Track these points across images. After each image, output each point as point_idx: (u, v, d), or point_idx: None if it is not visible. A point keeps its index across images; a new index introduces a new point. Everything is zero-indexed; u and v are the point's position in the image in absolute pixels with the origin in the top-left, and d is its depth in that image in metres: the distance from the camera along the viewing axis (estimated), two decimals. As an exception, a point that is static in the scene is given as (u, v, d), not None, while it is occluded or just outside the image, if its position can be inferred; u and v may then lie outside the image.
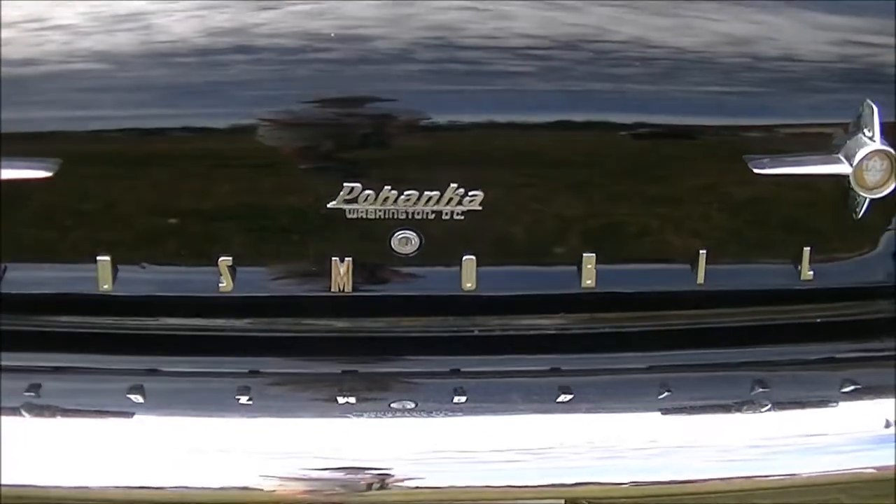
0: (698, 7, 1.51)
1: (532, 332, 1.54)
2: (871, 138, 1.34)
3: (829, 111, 1.42)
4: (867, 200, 1.37)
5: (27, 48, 1.37)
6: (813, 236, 1.48)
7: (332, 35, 1.35)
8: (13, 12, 1.38)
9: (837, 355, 1.54)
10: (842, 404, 1.44)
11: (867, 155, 1.33)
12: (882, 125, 1.35)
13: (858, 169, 1.34)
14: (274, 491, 1.31)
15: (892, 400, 1.43)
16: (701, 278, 1.44)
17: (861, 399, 1.45)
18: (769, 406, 1.42)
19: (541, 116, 1.39)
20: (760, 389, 1.44)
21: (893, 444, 1.39)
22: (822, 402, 1.45)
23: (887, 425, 1.40)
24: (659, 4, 1.48)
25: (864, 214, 1.40)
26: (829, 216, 1.47)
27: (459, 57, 1.40)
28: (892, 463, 1.39)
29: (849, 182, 1.36)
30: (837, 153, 1.36)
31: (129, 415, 1.35)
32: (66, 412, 1.37)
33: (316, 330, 1.50)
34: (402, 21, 1.40)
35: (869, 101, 1.35)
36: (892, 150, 1.33)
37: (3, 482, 1.28)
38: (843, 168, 1.35)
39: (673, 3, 1.50)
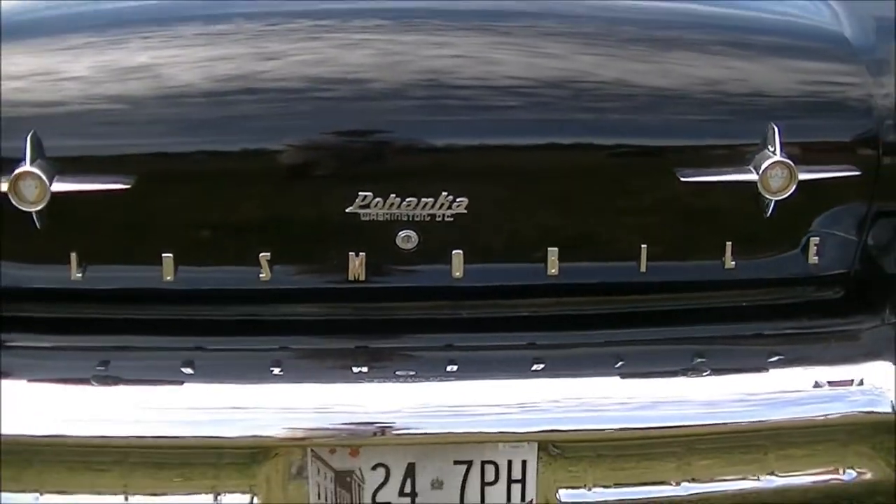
0: (644, 55, 1.75)
1: (510, 314, 1.78)
2: (773, 152, 1.61)
3: (743, 133, 1.68)
4: (773, 202, 1.63)
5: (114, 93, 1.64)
6: (733, 233, 1.72)
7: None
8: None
9: (764, 332, 1.79)
10: (771, 371, 1.69)
11: (770, 165, 1.60)
12: (782, 143, 1.62)
13: (764, 176, 1.61)
14: (304, 438, 1.59)
15: (812, 367, 1.68)
16: (644, 269, 1.70)
17: (785, 367, 1.70)
18: (708, 372, 1.68)
19: (512, 140, 1.67)
20: (699, 359, 1.69)
21: (819, 401, 1.66)
22: (754, 369, 1.69)
23: (817, 385, 1.66)
24: (612, 52, 1.74)
25: (771, 214, 1.65)
26: (744, 217, 1.70)
27: (449, 94, 1.66)
28: (819, 415, 1.65)
29: (757, 187, 1.62)
30: (748, 165, 1.63)
31: (181, 383, 1.62)
32: (129, 381, 1.62)
33: (335, 313, 1.75)
34: (404, 65, 1.67)
35: (772, 124, 1.62)
36: (790, 162, 1.60)
37: (79, 433, 1.57)
38: (752, 176, 1.62)
39: (623, 51, 1.75)
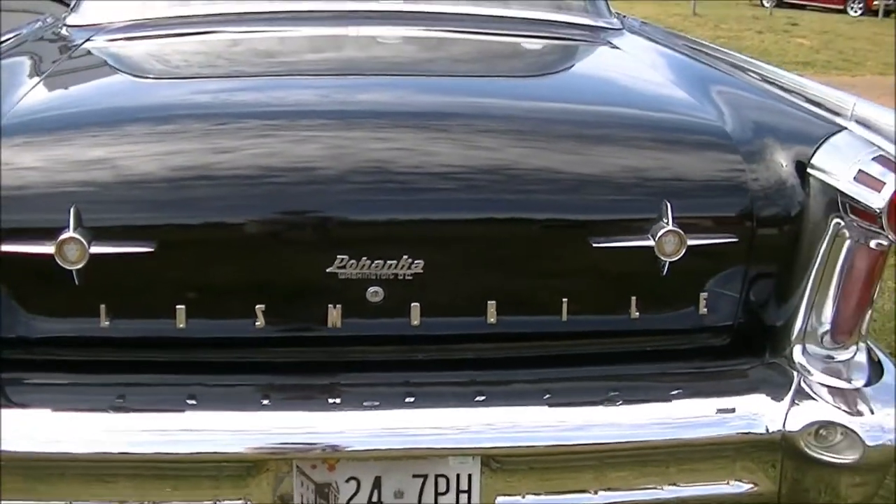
0: (563, 148, 2.09)
1: (457, 356, 2.07)
2: (666, 223, 1.93)
3: (644, 209, 1.97)
4: (667, 263, 1.95)
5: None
6: (636, 290, 2.02)
7: None
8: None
9: (667, 371, 2.09)
10: (671, 401, 2.01)
11: (664, 233, 1.92)
12: (673, 216, 1.94)
13: (659, 242, 1.93)
14: (289, 455, 1.90)
15: (704, 398, 2.03)
16: (565, 318, 2.02)
17: (682, 398, 2.02)
18: (620, 402, 1.98)
19: (455, 215, 1.98)
20: (613, 392, 2.00)
21: (708, 425, 1.99)
22: (657, 400, 2.01)
23: (707, 412, 1.99)
24: (536, 145, 2.06)
25: (666, 274, 1.96)
26: (645, 276, 1.99)
27: (401, 180, 1.96)
28: (708, 436, 1.98)
29: (654, 251, 1.94)
30: (647, 234, 1.95)
31: (183, 411, 1.92)
32: (140, 410, 1.92)
33: (315, 356, 2.04)
34: (357, 155, 1.96)
35: (666, 201, 1.95)
36: (680, 230, 1.92)
37: (101, 451, 1.86)
38: (650, 242, 1.94)
39: (545, 144, 2.07)
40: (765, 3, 27.31)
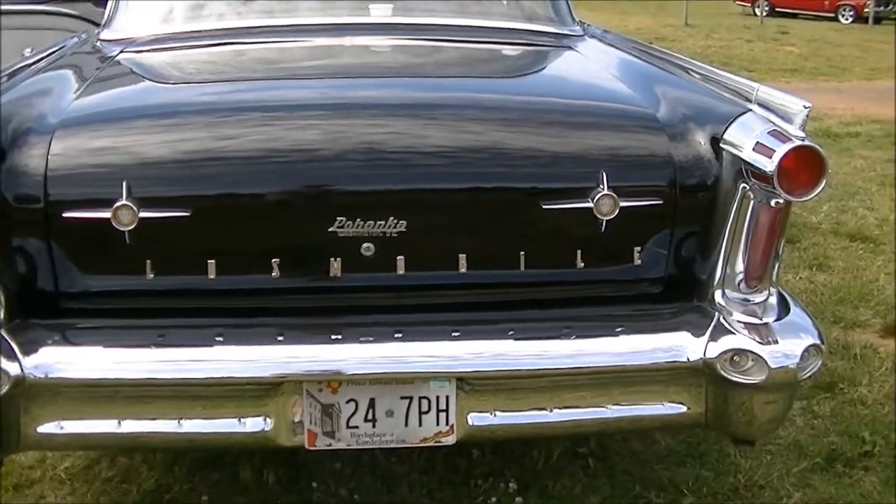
0: (524, 130, 2.52)
1: (436, 301, 2.46)
2: (602, 188, 2.35)
3: (585, 179, 2.37)
4: (604, 221, 2.36)
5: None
6: (581, 245, 2.43)
7: None
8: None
9: (610, 313, 2.50)
10: (614, 336, 2.41)
11: (600, 196, 2.34)
12: (608, 183, 2.35)
13: (596, 203, 2.35)
14: (300, 379, 2.30)
15: (640, 334, 2.43)
16: (523, 268, 2.44)
17: (623, 334, 2.42)
18: (573, 336, 2.39)
19: (434, 185, 2.43)
20: (566, 329, 2.40)
21: (643, 355, 2.38)
22: (602, 335, 2.42)
23: (642, 345, 2.39)
24: (500, 128, 2.51)
25: (605, 231, 2.37)
26: (588, 232, 2.38)
27: (389, 157, 2.39)
28: (642, 363, 2.38)
29: (593, 212, 2.36)
30: (587, 197, 2.36)
31: (209, 346, 2.32)
32: (177, 345, 2.33)
33: (320, 300, 2.45)
34: (354, 138, 2.39)
35: (603, 171, 2.36)
36: (614, 195, 2.34)
37: (146, 377, 2.28)
38: (589, 204, 2.36)
39: (508, 128, 2.51)
40: (757, 12, 27.73)
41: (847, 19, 27.29)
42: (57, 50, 3.38)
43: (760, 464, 3.12)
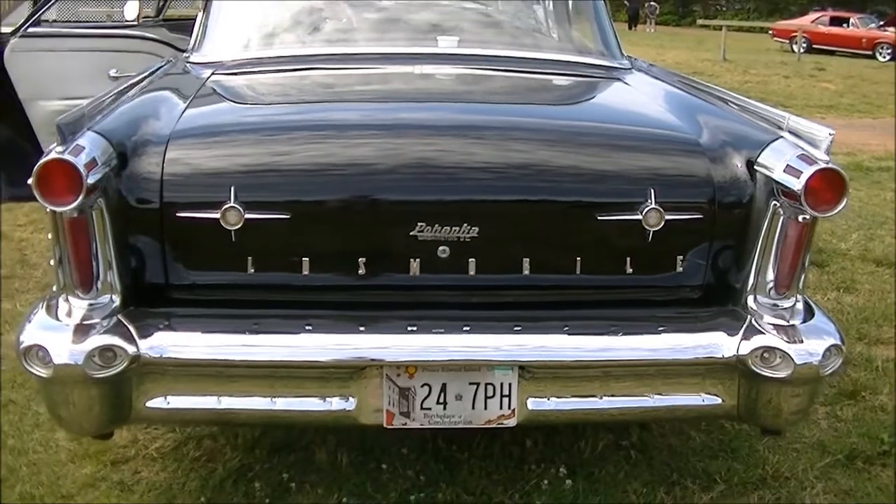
0: (578, 151, 2.87)
1: (502, 300, 2.76)
2: (650, 203, 2.65)
3: (635, 195, 2.66)
4: (651, 232, 2.66)
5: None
6: (630, 253, 2.72)
7: None
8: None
9: (655, 314, 2.80)
10: (658, 334, 2.72)
11: (648, 210, 2.65)
12: (656, 199, 2.66)
13: (644, 216, 2.65)
14: (380, 364, 2.61)
15: (681, 333, 2.73)
16: (578, 272, 2.75)
17: (666, 333, 2.72)
18: (622, 333, 2.70)
19: (500, 196, 2.72)
20: (614, 327, 2.71)
21: (684, 351, 2.68)
22: (647, 332, 2.72)
23: (683, 342, 2.69)
24: (557, 149, 2.83)
25: (651, 241, 2.66)
26: (636, 242, 2.67)
27: (467, 172, 2.76)
28: (683, 358, 2.68)
29: (642, 224, 2.67)
30: (637, 211, 2.67)
31: (300, 333, 2.64)
32: (271, 332, 2.64)
33: (400, 296, 2.75)
34: (439, 158, 2.75)
35: (651, 188, 2.67)
36: (660, 209, 2.64)
37: (243, 358, 2.60)
38: (638, 217, 2.67)
39: (565, 149, 2.84)
40: (794, 48, 27.95)
41: (885, 57, 27.50)
42: (149, 74, 3.74)
43: (787, 458, 3.42)
